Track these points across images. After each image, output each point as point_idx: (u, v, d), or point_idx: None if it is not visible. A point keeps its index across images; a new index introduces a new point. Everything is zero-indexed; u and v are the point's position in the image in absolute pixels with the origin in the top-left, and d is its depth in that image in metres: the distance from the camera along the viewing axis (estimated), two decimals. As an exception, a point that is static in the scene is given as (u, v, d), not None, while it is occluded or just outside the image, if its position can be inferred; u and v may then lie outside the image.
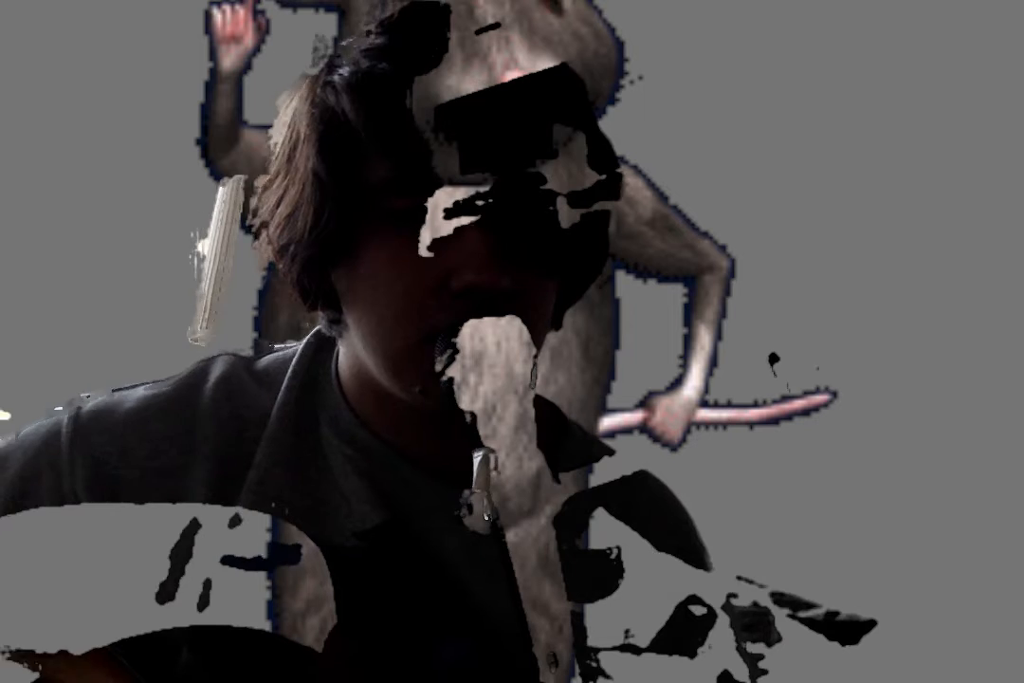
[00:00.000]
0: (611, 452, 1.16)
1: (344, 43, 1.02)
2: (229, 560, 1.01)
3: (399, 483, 1.05)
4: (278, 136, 1.04)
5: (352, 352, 1.06)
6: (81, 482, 1.04)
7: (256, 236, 1.06)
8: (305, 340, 1.12)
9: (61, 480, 1.04)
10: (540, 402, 1.04)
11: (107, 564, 1.01)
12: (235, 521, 1.02)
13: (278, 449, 1.05)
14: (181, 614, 1.00)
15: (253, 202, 1.07)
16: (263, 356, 1.13)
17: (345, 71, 0.99)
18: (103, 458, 1.05)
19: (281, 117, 1.05)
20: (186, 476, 1.04)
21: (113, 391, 1.10)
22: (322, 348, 1.10)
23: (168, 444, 1.06)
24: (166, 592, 1.00)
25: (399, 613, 1.03)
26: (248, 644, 1.01)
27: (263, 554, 1.02)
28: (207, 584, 1.00)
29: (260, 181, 1.05)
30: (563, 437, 1.13)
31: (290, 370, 1.09)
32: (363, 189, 0.99)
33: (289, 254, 1.02)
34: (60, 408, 1.09)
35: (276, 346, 1.15)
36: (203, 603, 1.00)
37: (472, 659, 1.04)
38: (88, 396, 1.10)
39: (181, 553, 1.01)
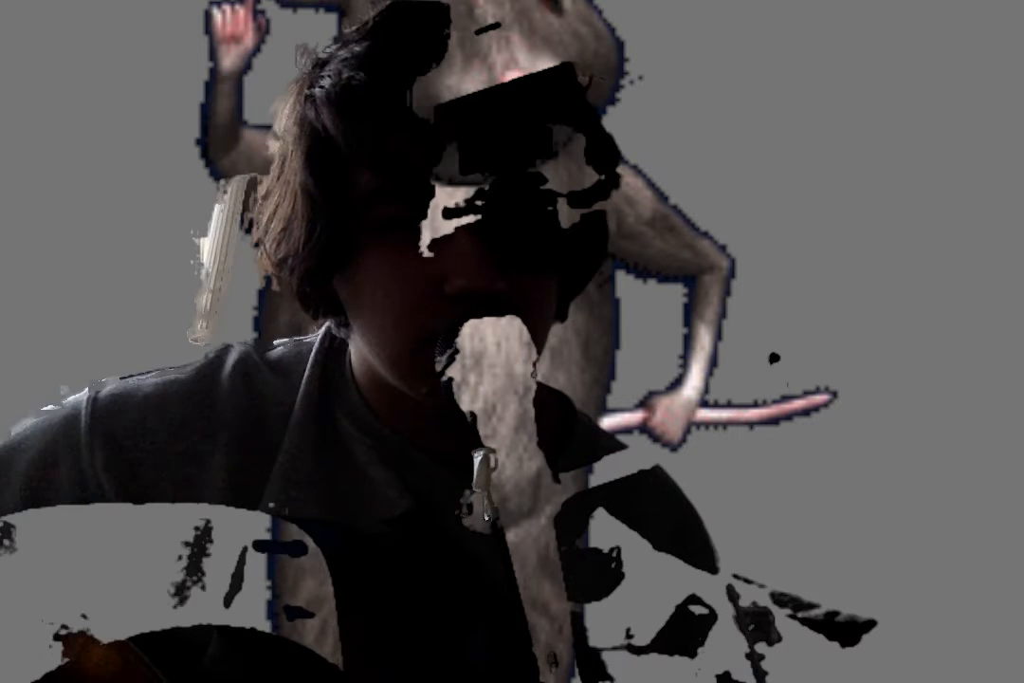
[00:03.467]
0: (622, 446, 1.17)
1: (328, 49, 1.02)
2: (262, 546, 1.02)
3: (419, 474, 1.06)
4: (273, 148, 1.05)
5: (361, 353, 1.07)
6: (100, 462, 1.04)
7: (256, 247, 1.06)
8: (322, 332, 1.13)
9: (80, 461, 1.05)
10: (549, 391, 1.04)
11: (118, 562, 1.01)
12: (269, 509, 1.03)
13: (305, 437, 1.06)
14: (181, 613, 1.00)
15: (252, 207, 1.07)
16: (275, 348, 1.14)
17: (325, 83, 0.99)
18: (122, 440, 1.05)
19: (275, 128, 1.05)
20: (206, 462, 1.05)
21: (125, 377, 1.11)
22: (336, 341, 1.12)
23: (189, 429, 1.07)
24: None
25: (428, 598, 1.04)
26: (275, 644, 1.02)
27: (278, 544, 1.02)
28: (237, 578, 1.00)
29: (260, 190, 1.06)
30: (571, 426, 1.13)
31: (311, 359, 1.10)
32: (352, 199, 0.99)
33: (287, 267, 1.03)
34: (71, 397, 1.10)
35: (276, 342, 1.15)
36: (232, 594, 1.00)
37: (502, 644, 1.04)
38: (104, 381, 1.10)
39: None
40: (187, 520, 1.02)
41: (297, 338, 1.15)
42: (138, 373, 1.12)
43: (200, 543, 1.01)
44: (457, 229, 0.97)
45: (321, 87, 1.00)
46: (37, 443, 1.07)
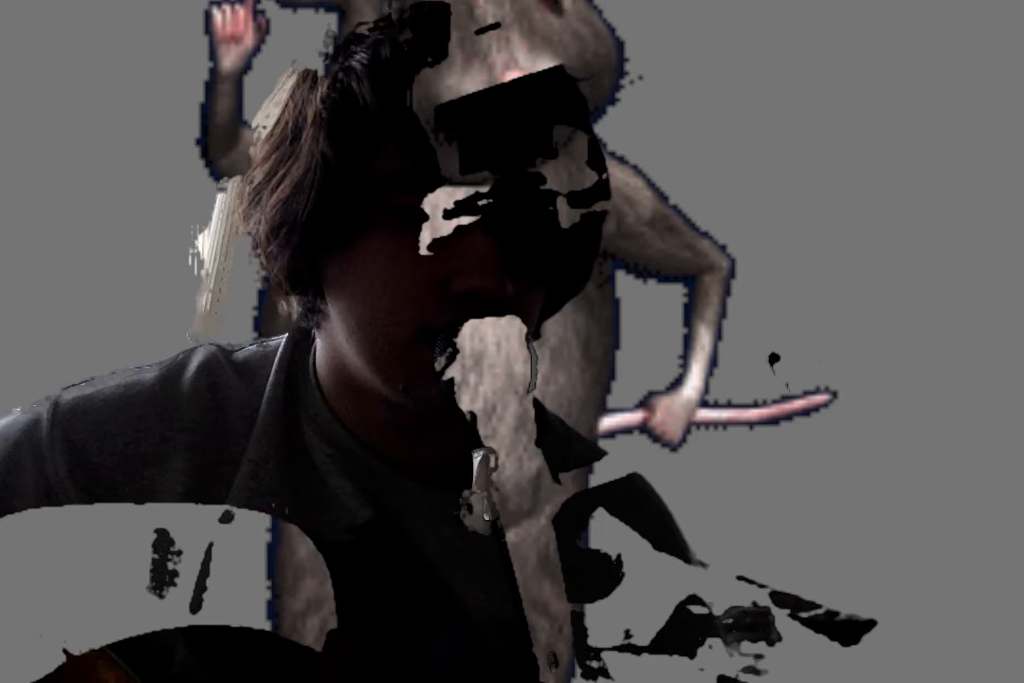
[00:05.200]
0: (602, 453, 1.16)
1: (358, 31, 1.01)
2: None
3: (378, 482, 1.05)
4: (274, 115, 1.03)
5: (331, 346, 1.05)
6: (63, 468, 1.03)
7: (245, 217, 1.04)
8: (287, 334, 1.11)
9: (44, 467, 1.03)
10: None
11: (104, 565, 1.01)
12: (227, 517, 1.02)
13: (269, 443, 1.05)
14: (181, 614, 1.00)
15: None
16: (242, 349, 1.12)
17: (365, 58, 0.99)
18: (83, 444, 1.04)
19: (276, 96, 1.04)
20: (164, 465, 1.03)
21: (91, 379, 1.09)
22: (301, 343, 1.10)
23: (148, 432, 1.05)
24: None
25: (389, 608, 1.03)
26: (246, 644, 1.01)
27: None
28: (200, 584, 1.00)
29: (256, 153, 1.04)
30: (542, 431, 1.12)
31: (275, 363, 1.08)
32: (370, 180, 0.98)
33: (281, 236, 1.01)
34: (35, 402, 1.08)
35: (243, 343, 1.14)
36: (196, 605, 1.00)
37: (464, 653, 1.04)
38: (66, 388, 1.09)
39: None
40: (151, 523, 1.01)
41: (264, 338, 1.13)
42: (105, 375, 1.10)
43: (163, 548, 1.01)
44: (471, 227, 0.96)
45: (361, 62, 0.99)
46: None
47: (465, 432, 0.97)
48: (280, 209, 1.00)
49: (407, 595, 1.04)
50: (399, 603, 1.04)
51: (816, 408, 2.70)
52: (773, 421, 2.70)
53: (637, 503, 1.14)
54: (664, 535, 1.14)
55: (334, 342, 1.04)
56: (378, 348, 1.00)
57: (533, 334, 1.03)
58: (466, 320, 0.96)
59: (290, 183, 1.00)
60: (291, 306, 1.08)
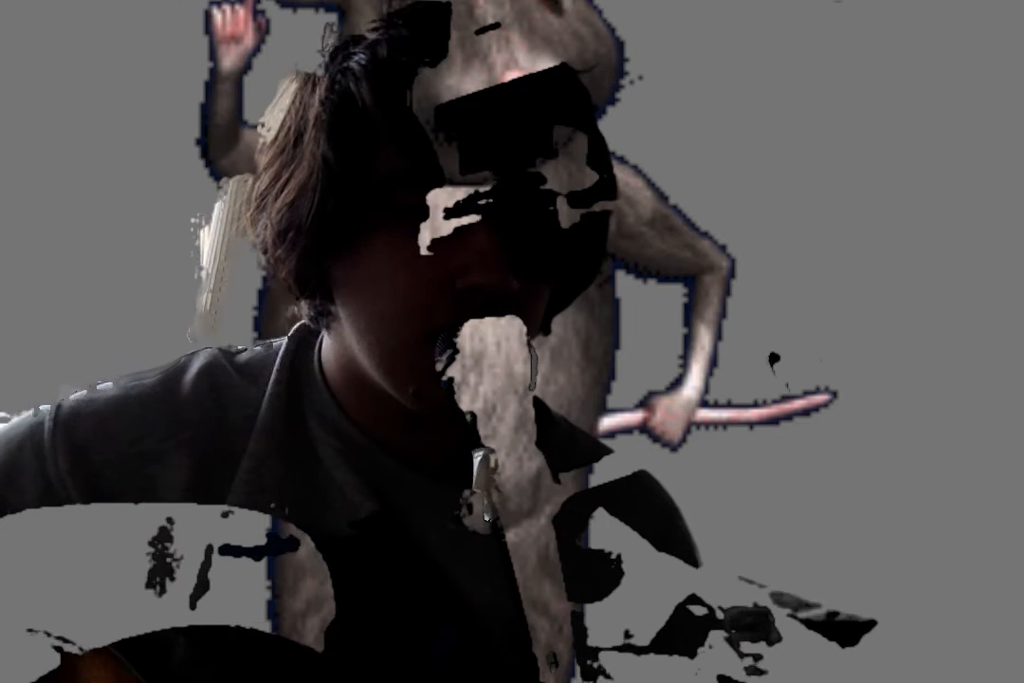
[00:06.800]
0: (606, 451, 1.16)
1: (358, 33, 1.02)
2: (229, 550, 1.01)
3: (384, 477, 1.05)
4: (277, 120, 1.03)
5: (340, 345, 1.05)
6: (65, 467, 1.03)
7: (252, 223, 1.05)
8: (288, 335, 1.12)
9: (46, 467, 1.04)
10: None
11: (105, 563, 1.01)
12: (228, 512, 1.02)
13: (271, 439, 1.05)
14: (181, 613, 1.00)
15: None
16: (245, 351, 1.13)
17: (363, 59, 0.99)
18: (85, 443, 1.04)
19: (280, 102, 1.04)
20: (166, 461, 1.04)
21: (92, 385, 1.10)
22: (303, 344, 1.10)
23: (149, 429, 1.05)
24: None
25: (391, 603, 1.04)
26: (245, 643, 1.01)
27: (262, 544, 1.02)
28: (202, 577, 1.00)
29: (260, 160, 1.05)
30: (546, 431, 1.12)
31: (277, 362, 1.09)
32: (372, 180, 0.98)
33: (288, 240, 1.01)
34: (42, 407, 1.09)
35: (245, 346, 1.14)
36: (199, 590, 1.00)
37: (466, 648, 1.04)
38: (68, 394, 1.09)
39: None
40: (153, 521, 1.02)
41: (266, 340, 1.14)
42: (106, 380, 1.10)
43: (161, 544, 1.01)
44: (473, 224, 0.96)
45: (359, 63, 0.99)
46: (1, 452, 1.06)
47: (467, 431, 0.97)
48: (285, 213, 1.01)
49: (410, 588, 1.04)
50: (402, 597, 1.04)
51: (816, 408, 2.70)
52: (773, 421, 2.71)
53: (641, 502, 1.14)
54: (668, 535, 1.14)
55: (344, 342, 1.04)
56: (388, 350, 1.00)
57: (544, 330, 1.04)
58: (471, 317, 0.96)
59: (294, 187, 1.00)
60: (300, 311, 1.08)
